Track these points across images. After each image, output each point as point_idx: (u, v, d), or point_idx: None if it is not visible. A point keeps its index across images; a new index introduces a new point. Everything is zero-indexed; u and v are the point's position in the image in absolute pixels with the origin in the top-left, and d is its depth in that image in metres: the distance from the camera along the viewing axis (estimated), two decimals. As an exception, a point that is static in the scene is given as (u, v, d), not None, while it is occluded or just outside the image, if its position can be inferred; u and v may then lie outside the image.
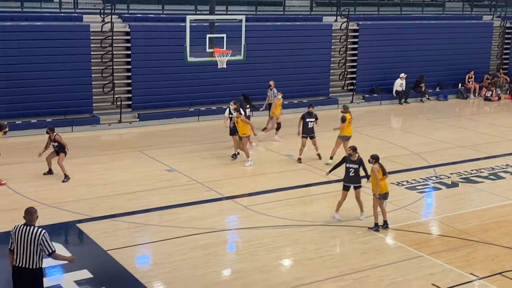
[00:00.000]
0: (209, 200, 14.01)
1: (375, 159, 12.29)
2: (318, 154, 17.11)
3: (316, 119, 17.16)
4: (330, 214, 13.17)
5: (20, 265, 8.07)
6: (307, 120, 16.94)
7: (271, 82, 20.62)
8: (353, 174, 12.73)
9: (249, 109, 18.37)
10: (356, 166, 12.69)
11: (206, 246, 11.50)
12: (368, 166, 12.67)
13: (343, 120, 16.54)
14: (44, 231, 8.08)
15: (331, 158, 16.65)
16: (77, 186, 14.48)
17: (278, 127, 19.41)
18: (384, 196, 12.34)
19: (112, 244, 11.39)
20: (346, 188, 12.81)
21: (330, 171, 13.75)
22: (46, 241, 8.01)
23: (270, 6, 25.45)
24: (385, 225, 12.46)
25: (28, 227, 8.07)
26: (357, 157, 12.74)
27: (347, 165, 12.78)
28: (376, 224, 12.34)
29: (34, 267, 8.06)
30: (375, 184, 12.18)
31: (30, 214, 8.18)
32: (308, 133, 16.98)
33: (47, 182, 14.73)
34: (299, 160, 16.89)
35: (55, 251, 8.19)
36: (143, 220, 12.70)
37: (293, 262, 11.07)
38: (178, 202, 13.80)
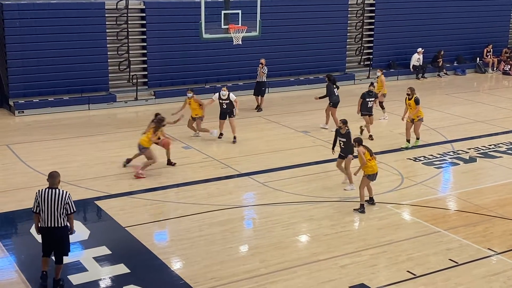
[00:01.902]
0: (225, 177, 14.06)
1: (357, 142, 12.28)
2: (370, 135, 16.69)
3: (376, 97, 17.12)
4: (345, 190, 13.18)
5: (47, 225, 8.80)
6: (367, 99, 16.71)
7: (263, 60, 20.09)
8: (343, 146, 13.38)
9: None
10: (344, 139, 13.28)
11: (223, 222, 11.58)
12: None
13: (417, 102, 15.72)
14: (68, 192, 8.89)
15: (408, 141, 16.14)
16: (95, 164, 14.59)
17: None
18: (372, 177, 12.20)
19: (130, 221, 11.50)
20: (341, 157, 13.54)
21: (333, 147, 13.76)
22: (71, 201, 8.86)
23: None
24: (371, 201, 12.40)
25: (52, 190, 8.79)
26: (346, 130, 13.25)
27: (338, 138, 13.45)
28: (361, 205, 12.16)
29: (61, 225, 8.83)
30: (362, 166, 12.22)
31: (53, 178, 8.87)
32: (368, 111, 16.73)
33: (65, 160, 14.86)
34: (370, 137, 16.61)
35: (75, 212, 8.99)
36: (160, 197, 12.80)
37: (310, 238, 11.11)
38: (195, 179, 13.86)
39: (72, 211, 8.89)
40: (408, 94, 15.90)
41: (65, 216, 8.85)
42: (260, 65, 19.96)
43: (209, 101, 16.99)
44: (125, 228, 11.22)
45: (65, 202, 8.78)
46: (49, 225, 8.82)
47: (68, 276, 9.44)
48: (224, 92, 16.49)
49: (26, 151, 15.51)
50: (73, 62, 19.83)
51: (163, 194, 13.00)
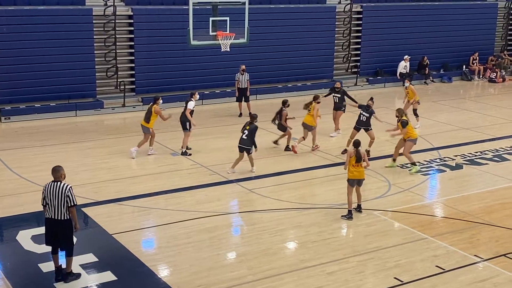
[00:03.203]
0: (213, 183, 14.05)
1: (354, 143, 12.28)
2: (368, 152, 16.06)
3: (372, 114, 16.12)
4: (333, 196, 13.22)
5: (51, 217, 9.17)
6: (361, 112, 16.12)
7: (243, 66, 20.13)
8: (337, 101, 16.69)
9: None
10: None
11: (211, 229, 11.56)
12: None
13: (404, 125, 14.81)
14: (70, 185, 9.23)
15: (394, 160, 15.44)
16: (82, 171, 14.53)
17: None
18: (352, 182, 12.13)
19: (117, 228, 11.45)
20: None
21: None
22: (71, 194, 9.15)
23: (273, -12, 25.29)
24: (358, 208, 12.39)
25: (56, 183, 9.18)
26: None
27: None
28: (349, 212, 12.14)
29: (63, 218, 9.14)
30: (345, 167, 12.38)
31: (57, 172, 9.26)
32: (360, 125, 16.13)
33: (51, 167, 14.73)
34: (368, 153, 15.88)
35: (76, 205, 9.22)
36: (148, 204, 12.75)
37: (297, 245, 11.12)
38: (182, 186, 13.84)
39: (72, 204, 9.12)
40: (396, 116, 15.12)
41: (66, 210, 9.11)
42: (243, 71, 20.00)
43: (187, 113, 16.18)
44: (112, 235, 11.16)
45: (65, 195, 9.06)
46: (52, 217, 9.16)
47: (54, 284, 9.38)
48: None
49: (13, 157, 15.41)
50: (60, 69, 19.77)
51: (151, 201, 12.96)
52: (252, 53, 22.13)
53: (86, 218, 12.01)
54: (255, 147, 14.56)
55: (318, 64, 24.53)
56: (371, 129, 16.10)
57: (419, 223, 12.01)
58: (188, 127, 15.91)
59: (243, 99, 20.14)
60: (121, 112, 20.43)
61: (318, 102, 16.55)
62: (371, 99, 16.34)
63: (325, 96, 18.65)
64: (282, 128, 16.59)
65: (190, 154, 15.87)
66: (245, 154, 14.53)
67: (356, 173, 12.15)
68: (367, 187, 14.03)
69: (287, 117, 16.48)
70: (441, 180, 14.92)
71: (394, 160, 15.37)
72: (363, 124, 16.08)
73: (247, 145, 14.43)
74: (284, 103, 16.74)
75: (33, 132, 17.95)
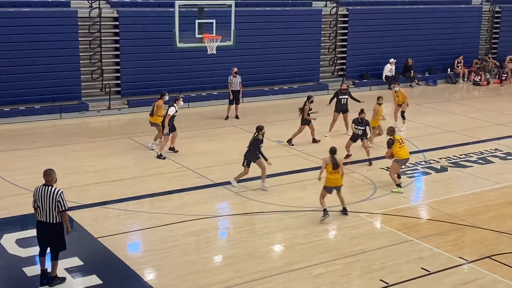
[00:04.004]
0: (200, 186, 14.01)
1: (329, 151, 12.23)
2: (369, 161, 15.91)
3: (367, 125, 15.99)
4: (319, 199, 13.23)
5: (42, 220, 9.20)
6: (356, 127, 15.93)
7: (236, 69, 20.14)
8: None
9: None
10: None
11: (197, 232, 11.53)
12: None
13: (389, 145, 14.10)
14: (61, 190, 9.18)
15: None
16: (67, 174, 14.41)
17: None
18: (328, 189, 12.13)
19: (103, 231, 11.38)
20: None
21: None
22: (62, 199, 9.13)
23: (260, -9, 25.32)
24: (344, 211, 12.38)
25: (47, 187, 9.16)
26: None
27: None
28: (324, 211, 12.09)
29: (54, 221, 9.17)
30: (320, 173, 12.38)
31: (48, 175, 9.24)
32: (356, 138, 16.05)
33: (37, 170, 14.62)
34: (370, 163, 15.87)
35: (67, 210, 9.23)
36: (134, 207, 12.69)
37: (284, 247, 11.12)
38: (169, 188, 13.79)
39: (63, 208, 9.13)
40: (387, 133, 14.42)
41: (57, 213, 9.12)
42: (235, 74, 20.02)
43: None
44: (98, 238, 11.09)
45: (56, 200, 9.06)
46: (43, 220, 9.19)
47: (39, 288, 9.32)
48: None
49: (-3, 160, 15.27)
50: (45, 71, 19.63)
51: (137, 204, 12.90)
52: (238, 56, 22.11)
53: (71, 222, 11.86)
54: (265, 159, 13.76)
55: (305, 67, 24.58)
56: (366, 138, 15.94)
57: (405, 226, 12.06)
58: (167, 131, 15.83)
59: (235, 102, 20.16)
60: (106, 115, 20.31)
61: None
62: (363, 111, 15.99)
63: (329, 103, 18.66)
64: (305, 121, 17.15)
65: (164, 158, 15.72)
66: (260, 164, 13.72)
67: (334, 180, 12.13)
68: (353, 189, 14.10)
69: (309, 111, 17.03)
70: (426, 182, 15.00)
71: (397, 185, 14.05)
72: (359, 136, 15.91)
73: (244, 156, 13.82)
74: (308, 99, 17.29)
75: (18, 135, 17.80)
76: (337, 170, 12.09)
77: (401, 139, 14.19)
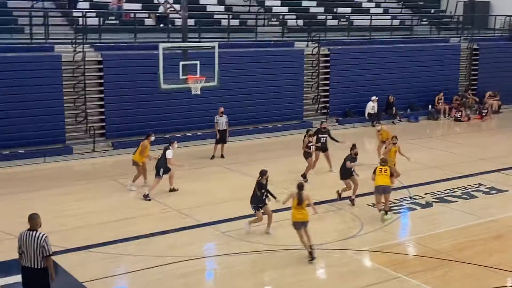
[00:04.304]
0: (186, 227, 13.93)
1: (297, 186, 12.22)
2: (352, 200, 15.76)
3: (353, 161, 15.77)
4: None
5: (27, 265, 9.13)
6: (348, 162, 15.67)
7: (222, 109, 20.29)
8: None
9: None
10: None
11: (185, 274, 11.41)
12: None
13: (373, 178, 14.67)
14: (46, 235, 9.08)
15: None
16: (51, 218, 14.24)
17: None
18: (295, 224, 12.06)
19: (88, 276, 11.23)
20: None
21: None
22: (47, 244, 9.05)
23: (242, 32, 25.66)
24: (311, 256, 11.92)
25: (32, 232, 9.08)
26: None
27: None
28: (309, 253, 11.96)
29: (39, 266, 9.08)
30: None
31: (33, 220, 9.15)
32: (350, 174, 15.70)
33: (21, 214, 14.46)
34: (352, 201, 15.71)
35: (52, 255, 9.14)
36: (119, 250, 12.56)
37: (273, 287, 11.02)
38: (155, 230, 13.68)
39: (47, 253, 9.04)
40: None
41: (42, 258, 9.01)
42: (221, 113, 20.15)
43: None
44: (83, 283, 10.94)
45: (41, 245, 8.96)
46: (28, 266, 9.10)
47: (23, 336, 9.13)
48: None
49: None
50: (29, 115, 19.58)
51: (122, 247, 12.76)
52: (223, 95, 22.25)
53: (56, 267, 11.72)
54: (274, 197, 13.52)
55: (289, 105, 24.79)
56: (357, 174, 15.90)
57: (392, 262, 12.05)
58: (161, 173, 15.93)
59: (221, 141, 20.22)
60: (91, 158, 20.23)
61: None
62: (355, 146, 15.80)
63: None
64: (307, 155, 17.56)
65: (150, 200, 15.69)
66: (264, 210, 13.45)
67: (299, 215, 12.06)
68: (339, 226, 14.11)
69: (309, 144, 17.46)
70: (412, 218, 15.05)
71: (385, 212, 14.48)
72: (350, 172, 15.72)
73: (250, 202, 13.54)
74: (307, 132, 17.90)
75: (2, 179, 17.61)
76: (302, 206, 12.02)
77: (382, 168, 14.53)
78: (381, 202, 14.50)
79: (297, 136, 23.53)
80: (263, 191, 13.32)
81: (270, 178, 17.30)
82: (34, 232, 9.08)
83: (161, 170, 15.93)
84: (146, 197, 15.76)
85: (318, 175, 17.91)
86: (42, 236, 9.04)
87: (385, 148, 18.26)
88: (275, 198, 13.54)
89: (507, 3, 34.28)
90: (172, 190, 16.34)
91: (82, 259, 12.10)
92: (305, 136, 17.67)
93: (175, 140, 16.66)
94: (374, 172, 14.61)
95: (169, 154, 16.02)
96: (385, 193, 14.59)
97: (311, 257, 11.93)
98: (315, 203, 14.08)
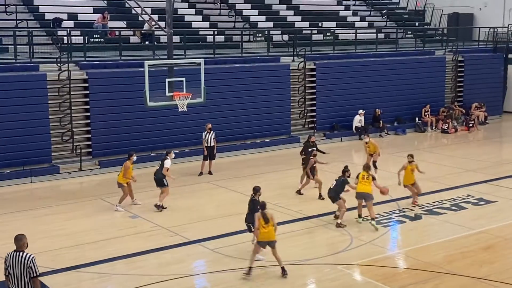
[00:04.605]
0: (175, 245, 13.81)
1: (260, 205, 12.20)
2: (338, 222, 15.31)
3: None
4: (296, 252, 13.13)
5: (14, 287, 8.91)
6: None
7: (210, 125, 20.33)
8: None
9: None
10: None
11: (173, 292, 11.29)
12: None
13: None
14: (32, 255, 8.89)
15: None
16: (38, 238, 14.08)
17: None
18: (262, 244, 11.98)
19: (76, 296, 11.08)
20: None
21: None
22: (34, 264, 8.85)
23: (228, 48, 25.72)
24: (283, 272, 11.91)
25: (18, 253, 8.89)
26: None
27: None
28: (249, 269, 11.92)
29: None
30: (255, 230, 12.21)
31: (19, 241, 8.97)
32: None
33: (7, 235, 14.28)
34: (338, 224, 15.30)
35: (39, 275, 8.92)
36: (108, 270, 12.41)
37: (263, 304, 10.93)
38: (143, 249, 13.55)
39: (34, 274, 8.85)
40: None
41: (29, 280, 8.85)
42: (209, 130, 20.11)
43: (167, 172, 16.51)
44: (71, 304, 10.79)
45: (28, 266, 8.80)
46: (14, 287, 8.92)
47: None
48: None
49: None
50: (15, 135, 19.44)
51: (111, 266, 12.62)
52: (209, 112, 22.25)
53: (43, 288, 11.60)
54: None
55: (276, 120, 24.82)
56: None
57: (383, 276, 11.99)
58: (166, 183, 16.26)
59: (209, 158, 20.17)
60: (77, 177, 20.08)
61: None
62: (347, 169, 15.47)
63: (301, 153, 18.73)
64: (310, 173, 17.48)
65: (165, 208, 16.15)
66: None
67: (265, 234, 11.95)
68: (329, 241, 14.05)
69: (313, 165, 17.42)
70: (401, 231, 15.02)
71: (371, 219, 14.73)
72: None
73: (245, 221, 13.31)
74: (311, 152, 17.77)
75: (-13, 200, 17.45)
76: (268, 224, 11.94)
77: (365, 175, 14.97)
78: (361, 205, 14.91)
79: (285, 151, 23.61)
80: (258, 207, 13.18)
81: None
82: (21, 253, 8.93)
83: (164, 180, 16.26)
84: (159, 207, 16.03)
85: (307, 190, 17.85)
86: (29, 257, 8.90)
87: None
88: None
89: (491, 15, 34.79)
90: (159, 206, 16.20)
91: (70, 279, 11.95)
92: (309, 155, 17.61)
93: (171, 150, 17.07)
94: (357, 177, 15.02)
95: (167, 163, 16.33)
96: (367, 200, 14.76)
97: (284, 273, 11.89)
98: (305, 218, 14.09)
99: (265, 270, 12.32)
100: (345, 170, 15.44)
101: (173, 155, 16.91)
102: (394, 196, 17.44)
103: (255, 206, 12.92)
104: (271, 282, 11.76)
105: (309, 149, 18.39)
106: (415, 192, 16.82)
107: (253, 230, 12.88)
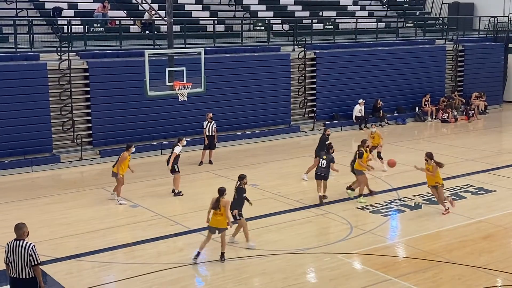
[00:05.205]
0: (175, 234, 13.87)
1: (218, 191, 12.28)
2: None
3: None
4: (296, 241, 13.19)
5: (15, 276, 9.02)
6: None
7: (211, 114, 20.36)
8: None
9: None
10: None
11: (174, 281, 11.36)
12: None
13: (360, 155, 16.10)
14: (33, 244, 9.00)
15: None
16: (39, 227, 14.16)
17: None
18: (211, 229, 12.14)
19: (77, 285, 11.15)
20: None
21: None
22: (34, 253, 8.94)
23: (228, 38, 25.68)
24: (222, 257, 12.19)
25: (19, 241, 8.97)
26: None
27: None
28: (198, 253, 12.14)
29: (27, 277, 8.97)
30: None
31: (19, 229, 9.03)
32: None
33: (8, 225, 14.34)
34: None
35: (40, 263, 9.02)
36: (108, 259, 12.48)
37: (263, 292, 11.00)
38: (144, 238, 13.61)
39: (35, 262, 8.94)
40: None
41: (30, 268, 8.92)
42: (210, 119, 20.12)
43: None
44: (72, 292, 10.86)
45: (28, 254, 8.87)
46: (16, 276, 9.00)
47: None
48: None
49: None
50: (15, 124, 19.45)
51: (111, 255, 12.68)
52: (209, 101, 22.25)
53: (44, 276, 11.62)
54: (250, 203, 13.46)
55: (276, 110, 24.81)
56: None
57: (382, 265, 12.05)
58: (177, 169, 16.41)
59: (210, 147, 20.19)
60: (78, 166, 20.11)
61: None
62: (331, 147, 16.63)
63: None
64: (359, 171, 16.28)
65: (182, 194, 16.43)
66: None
67: (214, 220, 12.07)
68: (329, 230, 14.12)
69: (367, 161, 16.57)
70: (401, 220, 15.08)
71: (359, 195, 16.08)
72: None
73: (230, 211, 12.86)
74: (363, 143, 16.98)
75: (-12, 189, 17.50)
76: (218, 211, 12.03)
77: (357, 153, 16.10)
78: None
79: (285, 141, 23.64)
80: (244, 195, 13.22)
81: (259, 183, 17.38)
82: (21, 242, 8.99)
83: (175, 166, 16.41)
84: (178, 193, 16.41)
85: (311, 180, 17.87)
86: (30, 245, 8.97)
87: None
88: (250, 204, 13.49)
89: (491, 4, 34.66)
90: (177, 193, 16.61)
91: (71, 268, 12.01)
92: (359, 148, 16.48)
93: (183, 137, 17.13)
94: (361, 156, 15.98)
95: (177, 149, 16.50)
96: (357, 175, 15.97)
97: (222, 259, 12.16)
98: (305, 207, 14.12)
99: (266, 258, 12.39)
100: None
101: (185, 142, 16.97)
102: (393, 186, 17.49)
103: (240, 194, 13.08)
104: (272, 270, 11.82)
105: (326, 142, 17.96)
106: (437, 197, 15.41)
107: (238, 218, 13.01)
